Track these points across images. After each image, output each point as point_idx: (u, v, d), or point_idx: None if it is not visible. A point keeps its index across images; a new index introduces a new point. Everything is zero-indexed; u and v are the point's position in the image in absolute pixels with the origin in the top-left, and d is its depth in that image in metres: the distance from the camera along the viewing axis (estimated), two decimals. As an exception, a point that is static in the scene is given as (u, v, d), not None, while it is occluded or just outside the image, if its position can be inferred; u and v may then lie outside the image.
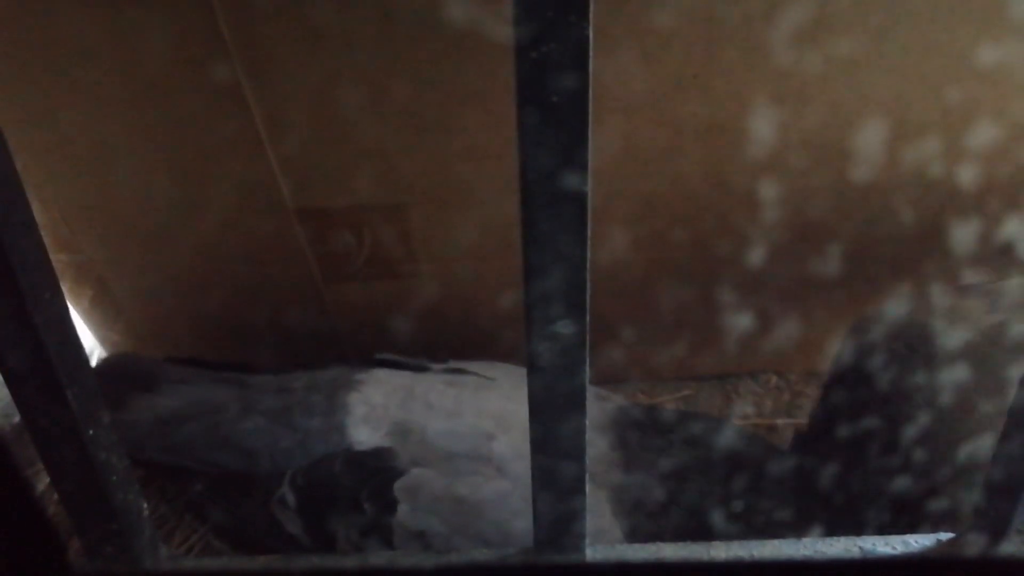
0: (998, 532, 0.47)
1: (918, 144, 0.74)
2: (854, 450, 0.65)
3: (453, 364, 0.77)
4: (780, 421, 0.92)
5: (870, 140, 0.74)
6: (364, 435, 0.69)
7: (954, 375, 0.62)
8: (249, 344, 0.89)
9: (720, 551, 0.50)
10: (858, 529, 0.63)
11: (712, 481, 0.68)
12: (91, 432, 0.42)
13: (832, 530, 0.58)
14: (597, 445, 0.70)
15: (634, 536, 0.67)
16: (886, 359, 0.65)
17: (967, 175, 0.76)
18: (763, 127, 0.73)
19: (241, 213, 0.80)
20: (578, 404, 0.41)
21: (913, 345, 0.64)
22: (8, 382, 0.40)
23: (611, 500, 0.67)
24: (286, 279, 0.87)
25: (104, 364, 0.85)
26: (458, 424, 0.69)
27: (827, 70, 0.70)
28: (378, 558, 0.56)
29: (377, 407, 0.71)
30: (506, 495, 0.65)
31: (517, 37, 0.31)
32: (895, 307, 0.67)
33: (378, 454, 0.68)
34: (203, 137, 0.74)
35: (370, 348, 0.80)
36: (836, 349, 0.67)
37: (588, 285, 0.38)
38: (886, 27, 0.68)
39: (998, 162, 0.76)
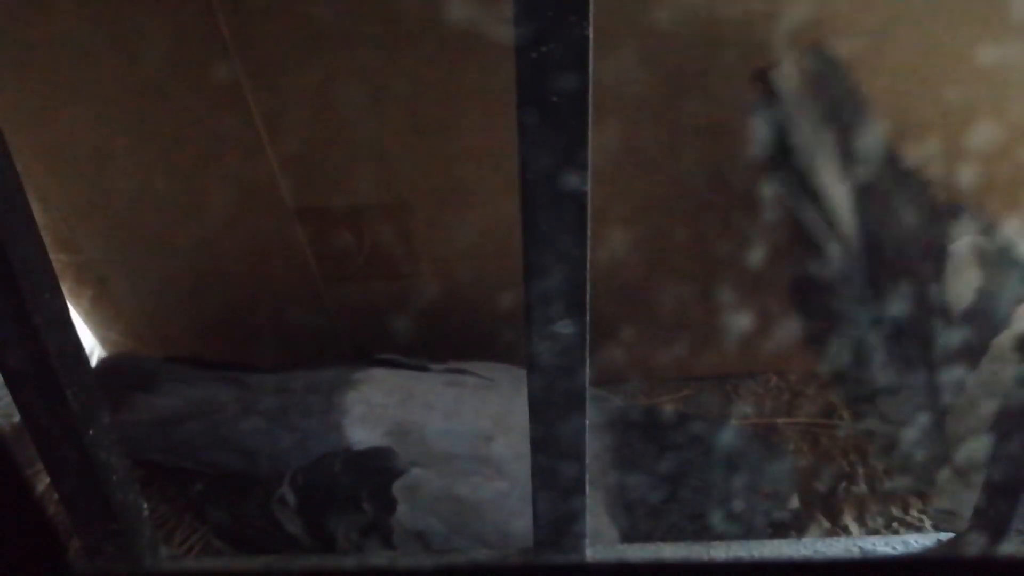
0: (998, 532, 0.47)
1: (918, 144, 0.74)
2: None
3: (453, 364, 0.77)
4: (780, 421, 0.92)
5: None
6: (362, 434, 0.69)
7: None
8: (249, 344, 0.89)
9: (720, 551, 0.50)
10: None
11: (710, 481, 0.68)
12: (91, 432, 0.42)
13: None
14: (594, 445, 0.70)
15: (631, 537, 0.67)
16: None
17: (967, 175, 0.76)
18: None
19: (241, 213, 0.80)
20: (578, 404, 0.41)
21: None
22: (8, 382, 0.40)
23: (607, 501, 0.67)
24: (286, 279, 0.87)
25: (103, 364, 0.85)
26: (457, 425, 0.69)
27: (827, 70, 0.69)
28: (378, 558, 0.56)
29: (375, 407, 0.71)
30: (505, 496, 0.65)
31: (517, 37, 0.31)
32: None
33: (377, 454, 0.68)
34: (203, 137, 0.74)
35: (370, 348, 0.80)
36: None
37: (588, 285, 0.38)
38: (886, 27, 0.68)
39: (998, 162, 0.76)
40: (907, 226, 0.65)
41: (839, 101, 0.67)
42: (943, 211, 0.68)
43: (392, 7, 0.66)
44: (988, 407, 0.61)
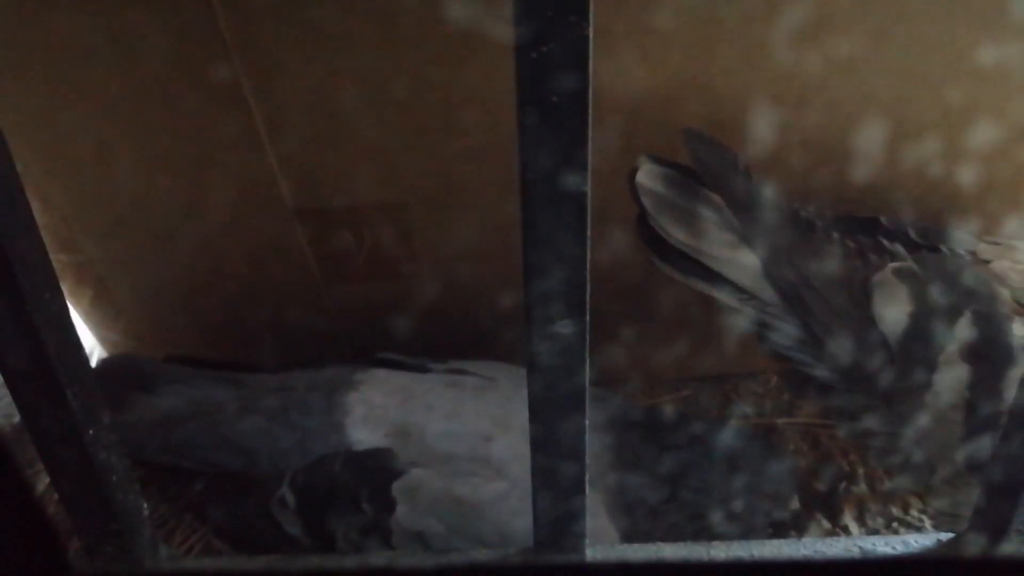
0: (998, 532, 0.47)
1: (918, 144, 0.74)
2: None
3: (453, 364, 0.77)
4: (780, 421, 0.92)
5: (870, 140, 0.74)
6: (363, 435, 0.69)
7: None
8: (249, 344, 0.89)
9: (720, 551, 0.50)
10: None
11: (710, 481, 0.68)
12: (91, 432, 0.42)
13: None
14: (595, 445, 0.70)
15: (631, 537, 0.67)
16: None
17: (967, 175, 0.76)
18: (763, 127, 0.73)
19: (241, 213, 0.80)
20: (578, 404, 0.41)
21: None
22: (8, 382, 0.40)
23: (607, 501, 0.67)
24: (286, 279, 0.87)
25: (103, 365, 0.85)
26: (457, 425, 0.69)
27: (827, 70, 0.70)
28: (378, 558, 0.56)
29: (376, 407, 0.71)
30: (504, 496, 0.65)
31: (517, 37, 0.31)
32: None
33: (377, 454, 0.68)
34: (203, 137, 0.74)
35: (370, 348, 0.80)
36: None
37: (588, 285, 0.38)
38: (886, 27, 0.68)
39: (998, 162, 0.76)
40: (821, 272, 0.66)
41: (722, 176, 0.68)
42: (866, 243, 0.70)
43: (392, 7, 0.66)
44: (955, 417, 0.62)
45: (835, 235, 0.69)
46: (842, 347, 0.65)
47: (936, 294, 0.64)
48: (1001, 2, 0.66)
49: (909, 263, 0.66)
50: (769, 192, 0.69)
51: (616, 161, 0.75)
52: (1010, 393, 0.58)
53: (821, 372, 0.67)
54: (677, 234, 0.68)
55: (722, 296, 0.69)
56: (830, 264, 0.67)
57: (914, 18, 0.68)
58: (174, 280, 0.88)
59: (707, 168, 0.68)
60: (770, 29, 0.67)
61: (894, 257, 0.67)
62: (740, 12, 0.67)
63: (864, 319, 0.65)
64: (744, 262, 0.68)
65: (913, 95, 0.72)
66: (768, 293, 0.67)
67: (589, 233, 0.36)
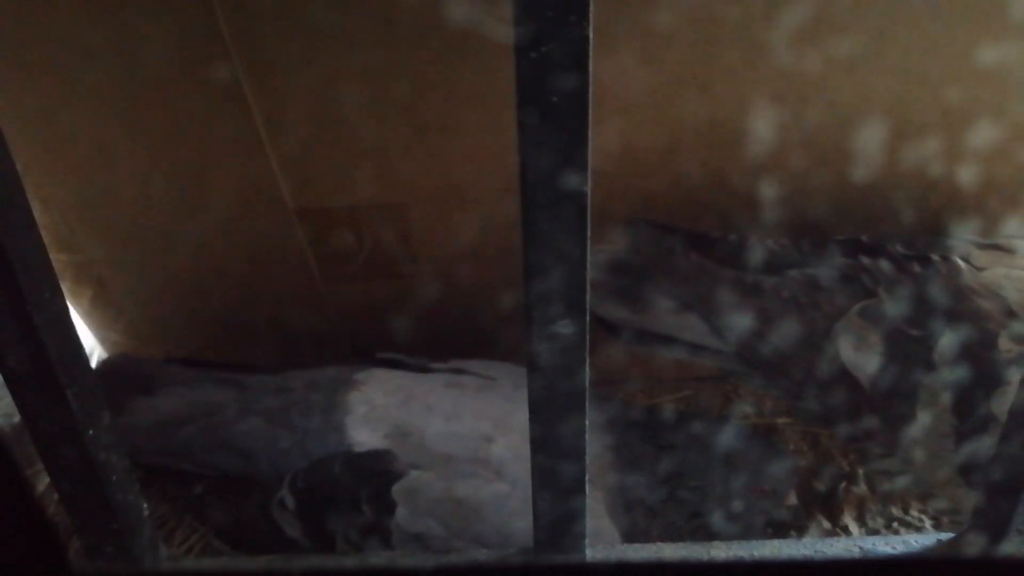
0: (998, 532, 0.47)
1: (918, 144, 0.74)
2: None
3: (454, 364, 0.77)
4: (780, 421, 0.92)
5: (870, 140, 0.74)
6: (363, 435, 0.69)
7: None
8: (249, 344, 0.89)
9: (720, 551, 0.50)
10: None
11: (710, 481, 0.68)
12: (91, 432, 0.42)
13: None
14: (594, 445, 0.70)
15: (631, 537, 0.67)
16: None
17: (967, 175, 0.76)
18: (763, 127, 0.73)
19: (241, 213, 0.80)
20: (578, 404, 0.41)
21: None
22: (8, 382, 0.40)
23: (607, 501, 0.67)
24: (286, 279, 0.87)
25: (103, 365, 0.85)
26: (457, 427, 0.69)
27: (827, 70, 0.70)
28: (378, 558, 0.56)
29: (377, 407, 0.71)
30: (505, 498, 0.65)
31: (517, 37, 0.31)
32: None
33: (377, 456, 0.68)
34: (203, 137, 0.74)
35: (370, 348, 0.80)
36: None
37: (588, 285, 0.38)
38: (886, 27, 0.68)
39: (998, 162, 0.76)
40: (776, 332, 0.67)
41: (662, 256, 0.73)
42: (846, 266, 0.70)
43: (392, 7, 0.66)
44: (945, 445, 0.62)
45: (785, 293, 0.69)
46: (814, 391, 0.66)
47: (909, 325, 0.63)
48: (1001, 2, 0.66)
49: (876, 299, 0.66)
50: (713, 264, 0.72)
51: (616, 161, 0.75)
52: (999, 407, 0.57)
53: (802, 404, 0.68)
54: (622, 313, 0.72)
55: (681, 356, 0.72)
56: (786, 325, 0.67)
57: (914, 18, 0.68)
58: (174, 280, 0.88)
59: (647, 250, 0.73)
60: (770, 29, 0.67)
61: (874, 278, 0.67)
62: (740, 12, 0.67)
63: (833, 365, 0.65)
64: (693, 324, 0.71)
65: (913, 95, 0.72)
66: (727, 347, 0.69)
67: (589, 233, 0.36)
